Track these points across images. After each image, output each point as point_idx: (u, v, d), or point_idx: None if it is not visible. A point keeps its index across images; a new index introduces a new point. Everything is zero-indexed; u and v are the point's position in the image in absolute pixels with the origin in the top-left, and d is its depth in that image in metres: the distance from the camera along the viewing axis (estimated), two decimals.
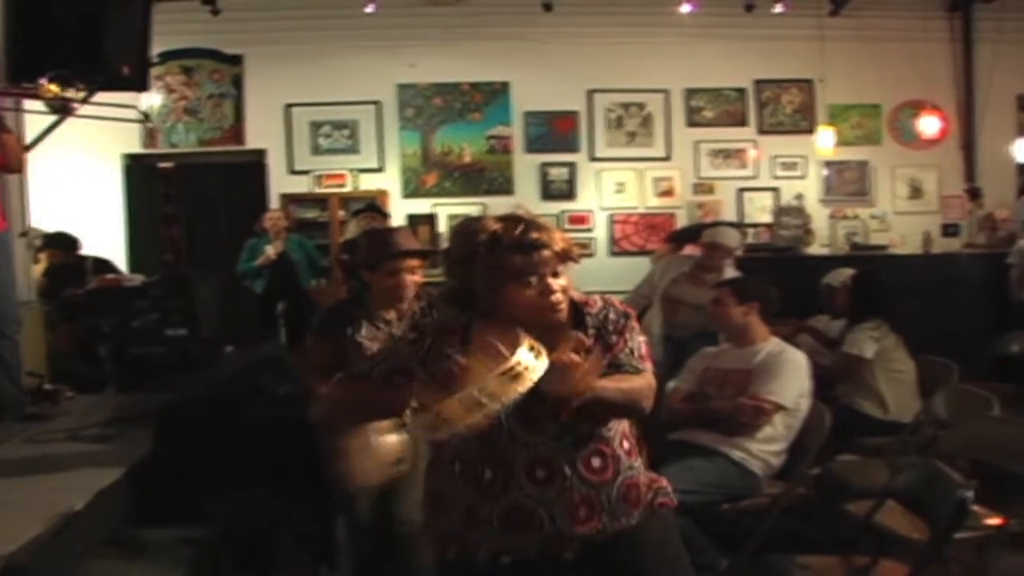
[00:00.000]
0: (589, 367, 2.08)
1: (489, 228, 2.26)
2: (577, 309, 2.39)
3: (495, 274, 2.25)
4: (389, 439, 3.36)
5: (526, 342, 2.07)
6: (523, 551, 2.30)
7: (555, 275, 2.27)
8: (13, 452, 4.09)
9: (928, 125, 10.20)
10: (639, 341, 2.43)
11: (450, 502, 2.36)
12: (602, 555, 2.33)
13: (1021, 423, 4.18)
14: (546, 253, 2.24)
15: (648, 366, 2.41)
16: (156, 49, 6.68)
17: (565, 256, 2.29)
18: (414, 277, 3.76)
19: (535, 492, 2.27)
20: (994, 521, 3.66)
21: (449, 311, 2.43)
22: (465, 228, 2.35)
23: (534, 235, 2.24)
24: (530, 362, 2.04)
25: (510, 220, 2.29)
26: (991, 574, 3.85)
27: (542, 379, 2.03)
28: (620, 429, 2.41)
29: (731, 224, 8.06)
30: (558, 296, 2.27)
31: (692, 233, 8.69)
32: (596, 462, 2.33)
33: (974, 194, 10.45)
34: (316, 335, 3.91)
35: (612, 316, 2.41)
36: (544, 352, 2.07)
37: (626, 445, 2.42)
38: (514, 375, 2.01)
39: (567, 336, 2.15)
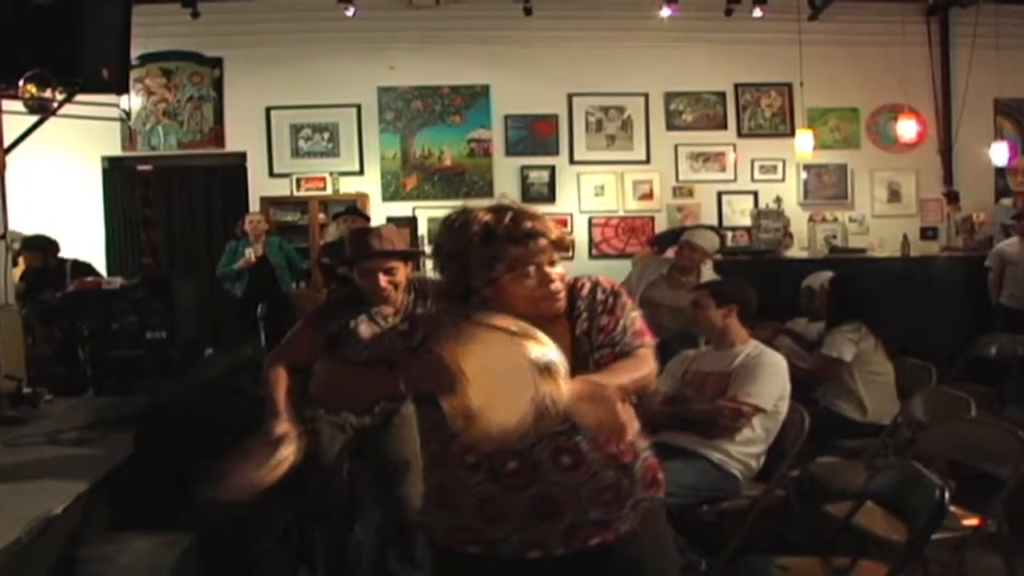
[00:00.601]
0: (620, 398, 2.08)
1: (481, 220, 2.23)
2: (571, 294, 2.37)
3: (491, 266, 2.22)
4: (281, 453, 3.27)
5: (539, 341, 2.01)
6: (548, 543, 2.26)
7: (552, 264, 2.26)
8: None
9: (906, 129, 10.26)
10: (632, 317, 2.39)
11: (459, 495, 2.30)
12: (626, 547, 2.32)
13: (997, 424, 4.19)
14: (542, 242, 2.23)
15: (644, 340, 2.39)
16: (136, 51, 6.65)
17: (560, 245, 2.27)
18: (391, 278, 3.75)
19: (562, 479, 2.24)
20: (971, 521, 3.70)
21: (444, 307, 2.41)
22: (455, 221, 2.30)
23: (528, 224, 2.23)
24: (541, 350, 1.98)
25: (500, 210, 2.26)
26: (969, 574, 3.90)
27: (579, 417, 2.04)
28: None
29: (710, 227, 8.08)
30: (557, 285, 2.27)
31: (674, 236, 8.74)
32: (566, 459, 2.26)
33: (952, 197, 10.54)
34: (306, 322, 3.92)
35: (600, 296, 2.38)
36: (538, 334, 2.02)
37: (637, 426, 2.37)
38: (547, 370, 1.96)
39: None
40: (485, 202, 2.36)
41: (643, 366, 2.31)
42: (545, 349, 1.98)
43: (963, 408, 4.59)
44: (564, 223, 10.20)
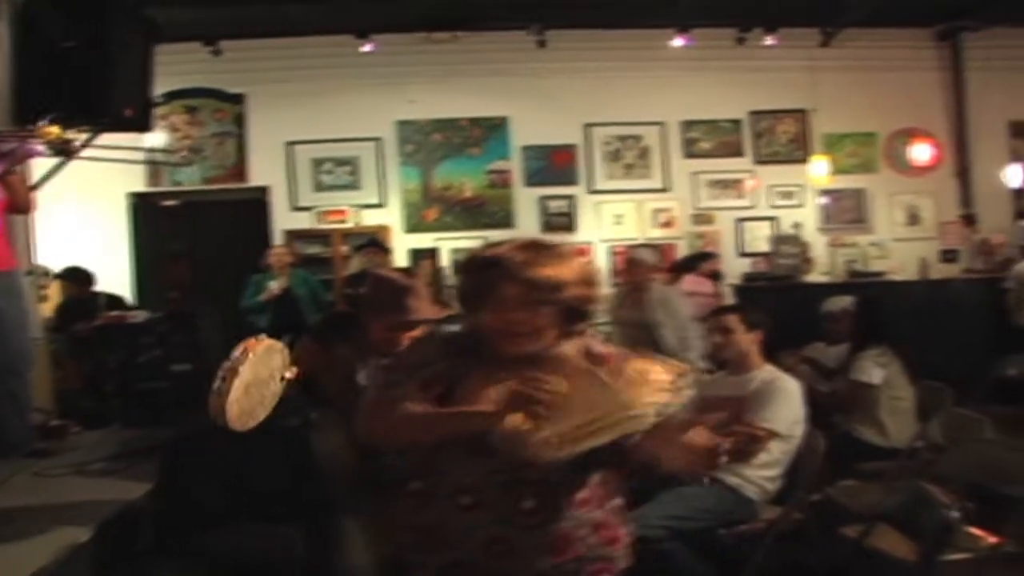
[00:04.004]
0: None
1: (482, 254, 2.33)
2: (592, 362, 2.30)
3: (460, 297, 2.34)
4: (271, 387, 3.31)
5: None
6: None
7: (526, 308, 2.23)
8: (20, 486, 4.13)
9: (920, 153, 10.32)
10: None
11: (456, 535, 2.24)
12: None
13: (1013, 445, 4.23)
14: (501, 280, 2.23)
15: None
16: (160, 89, 6.77)
17: (539, 291, 2.22)
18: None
19: (454, 517, 2.22)
20: (989, 541, 3.72)
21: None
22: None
23: (496, 258, 2.25)
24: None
25: (498, 245, 2.32)
26: None
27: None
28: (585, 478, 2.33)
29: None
30: (520, 329, 2.25)
31: (690, 263, 8.89)
32: (528, 503, 2.22)
33: (969, 220, 10.54)
34: (316, 340, 3.95)
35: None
36: None
37: (582, 495, 2.30)
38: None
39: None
40: (515, 234, 2.41)
41: None
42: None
43: (980, 430, 4.62)
44: (585, 252, 10.22)
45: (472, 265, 2.34)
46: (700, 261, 9.00)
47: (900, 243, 10.64)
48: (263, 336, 3.16)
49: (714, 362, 5.31)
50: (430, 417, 2.25)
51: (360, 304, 3.89)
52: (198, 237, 10.45)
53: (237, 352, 3.02)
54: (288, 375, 3.22)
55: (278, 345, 3.27)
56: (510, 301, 2.22)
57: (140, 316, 7.22)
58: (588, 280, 2.31)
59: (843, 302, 6.47)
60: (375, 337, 3.65)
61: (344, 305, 8.39)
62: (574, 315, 2.31)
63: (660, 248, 9.57)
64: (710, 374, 5.79)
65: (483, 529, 2.21)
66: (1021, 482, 3.77)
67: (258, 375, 3.12)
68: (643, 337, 6.44)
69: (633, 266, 7.07)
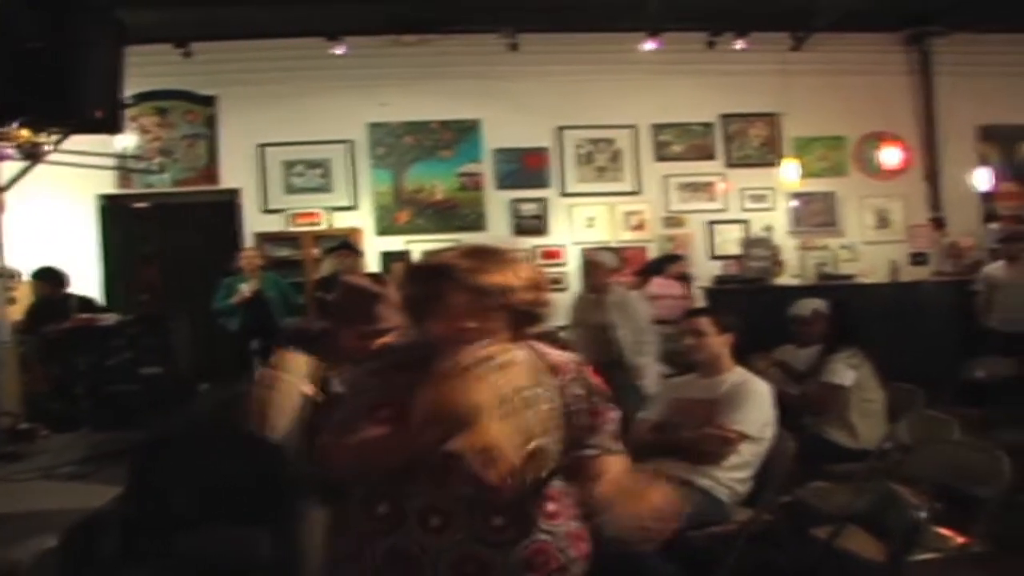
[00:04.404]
0: None
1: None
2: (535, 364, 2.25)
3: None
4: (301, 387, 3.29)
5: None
6: None
7: (473, 315, 2.20)
8: None
9: (890, 156, 10.42)
10: (611, 420, 2.34)
11: (346, 529, 2.27)
12: None
13: (980, 445, 4.26)
14: (446, 285, 2.20)
15: (620, 446, 2.35)
16: (129, 91, 6.73)
17: (487, 298, 2.20)
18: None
19: (424, 540, 2.14)
20: (957, 541, 3.78)
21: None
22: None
23: (440, 266, 2.24)
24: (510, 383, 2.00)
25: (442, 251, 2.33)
26: None
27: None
28: (548, 489, 2.25)
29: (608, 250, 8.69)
30: (463, 335, 2.18)
31: (658, 265, 8.96)
32: (498, 520, 2.17)
33: (938, 223, 10.64)
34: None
35: (580, 390, 2.28)
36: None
37: (550, 507, 2.25)
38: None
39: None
40: (487, 237, 2.38)
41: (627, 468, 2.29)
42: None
43: (948, 431, 4.67)
44: (557, 255, 10.28)
45: (418, 273, 2.33)
46: (667, 263, 9.06)
47: (870, 246, 10.70)
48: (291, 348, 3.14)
49: (679, 365, 5.34)
50: (372, 444, 2.20)
51: (330, 311, 3.87)
52: (168, 239, 10.42)
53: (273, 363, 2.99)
54: (308, 390, 3.18)
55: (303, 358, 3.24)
56: (458, 309, 2.20)
57: (111, 319, 7.20)
58: (536, 284, 2.29)
59: (812, 305, 6.50)
60: (346, 344, 3.62)
61: (315, 308, 8.39)
62: (523, 320, 2.28)
63: (620, 251, 9.60)
64: (667, 378, 5.87)
65: (454, 551, 2.15)
66: (988, 483, 3.81)
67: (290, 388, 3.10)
68: (602, 339, 6.54)
69: (592, 269, 7.14)
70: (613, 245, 10.32)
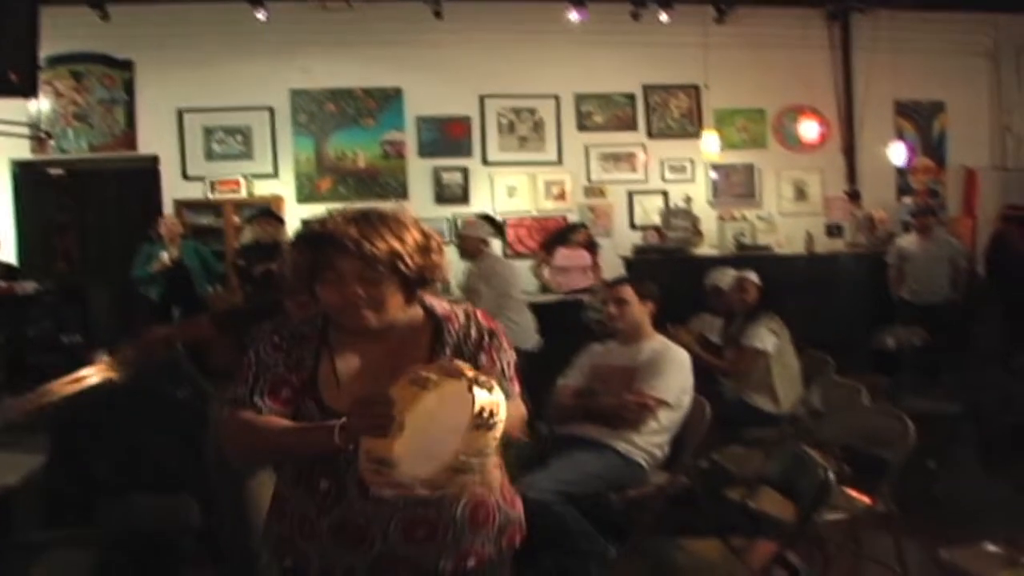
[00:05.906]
0: None
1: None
2: (436, 322, 2.31)
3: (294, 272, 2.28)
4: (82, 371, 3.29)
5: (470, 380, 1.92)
6: (353, 569, 2.18)
7: (365, 282, 2.17)
8: None
9: (808, 129, 10.58)
10: (507, 361, 2.34)
11: (287, 508, 2.26)
12: None
13: (886, 411, 4.46)
14: (334, 252, 2.16)
15: (516, 388, 2.34)
16: (44, 53, 6.62)
17: (377, 264, 2.16)
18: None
19: (367, 509, 2.14)
20: (863, 502, 4.00)
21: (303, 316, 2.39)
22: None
23: (330, 230, 2.18)
24: (489, 400, 1.92)
25: (328, 215, 2.26)
26: (863, 553, 4.20)
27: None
28: None
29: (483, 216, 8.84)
30: (358, 302, 2.18)
31: (560, 237, 9.08)
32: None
33: (854, 196, 10.82)
34: (211, 320, 3.92)
35: (474, 334, 2.31)
36: (491, 382, 1.96)
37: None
38: (487, 424, 1.92)
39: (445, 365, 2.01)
40: (409, 206, 2.32)
41: (513, 411, 2.14)
42: (494, 400, 1.94)
43: (857, 397, 4.84)
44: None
45: (306, 240, 2.26)
46: (571, 233, 9.17)
47: (787, 217, 10.88)
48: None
49: (597, 333, 5.42)
50: (275, 435, 2.20)
51: (276, 282, 3.88)
52: (86, 207, 10.23)
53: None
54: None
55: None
56: (348, 276, 2.16)
57: (29, 287, 7.10)
58: (425, 248, 2.25)
59: (728, 275, 6.62)
60: (291, 314, 3.66)
61: (235, 276, 8.35)
62: (415, 284, 2.26)
63: (497, 219, 9.83)
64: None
65: (400, 516, 2.17)
66: (894, 447, 3.99)
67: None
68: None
69: (462, 239, 7.32)
70: (534, 214, 10.41)
